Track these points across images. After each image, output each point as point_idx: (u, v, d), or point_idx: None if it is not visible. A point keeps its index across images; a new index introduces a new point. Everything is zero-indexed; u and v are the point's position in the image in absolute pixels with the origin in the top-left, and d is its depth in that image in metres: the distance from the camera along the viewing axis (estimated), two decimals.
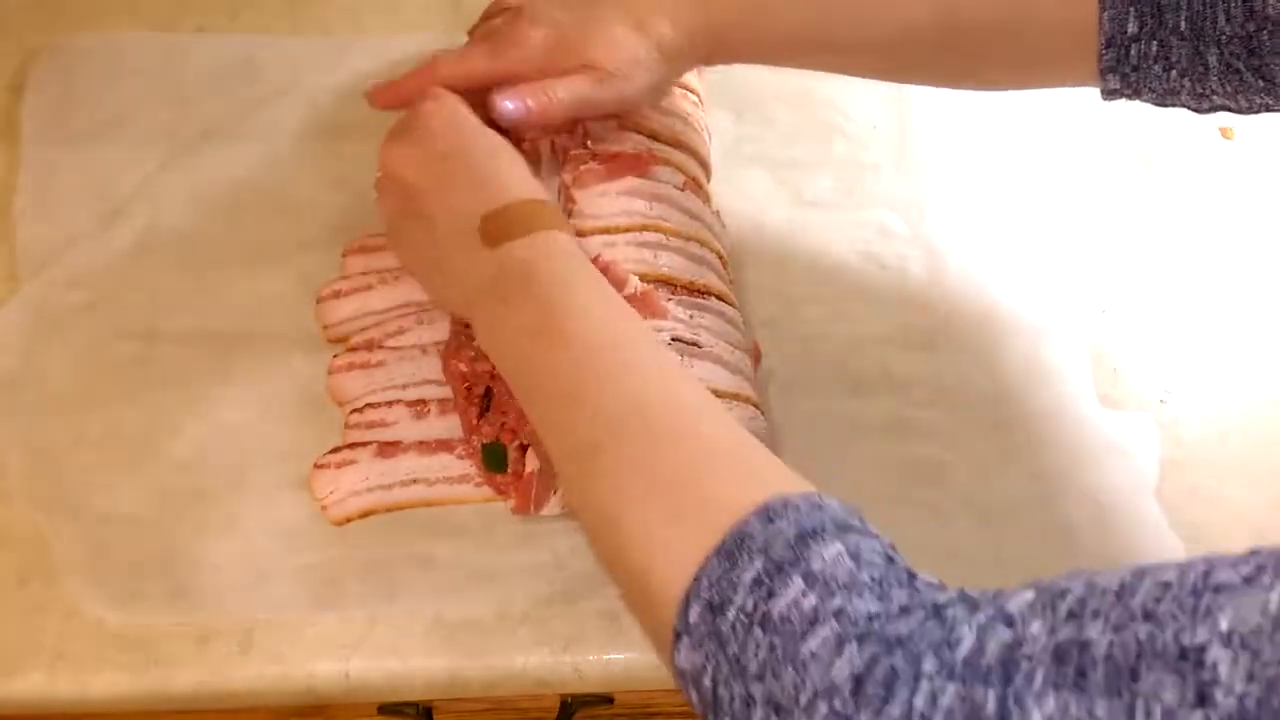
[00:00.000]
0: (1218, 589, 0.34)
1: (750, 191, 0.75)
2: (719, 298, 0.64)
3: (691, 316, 0.62)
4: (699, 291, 0.63)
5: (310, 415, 0.65)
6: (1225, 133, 0.80)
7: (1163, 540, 0.64)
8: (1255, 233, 0.76)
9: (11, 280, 0.69)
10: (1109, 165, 0.78)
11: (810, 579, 0.42)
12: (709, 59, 0.66)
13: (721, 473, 0.48)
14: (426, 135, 0.61)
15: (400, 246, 0.64)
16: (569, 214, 0.64)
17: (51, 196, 0.72)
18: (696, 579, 0.43)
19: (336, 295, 0.68)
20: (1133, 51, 0.58)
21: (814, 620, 0.41)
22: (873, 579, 0.42)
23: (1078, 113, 0.80)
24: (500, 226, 0.57)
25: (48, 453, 0.63)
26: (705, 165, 0.71)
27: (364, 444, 0.63)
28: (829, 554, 0.42)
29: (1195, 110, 0.60)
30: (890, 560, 0.43)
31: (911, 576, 0.43)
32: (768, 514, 0.44)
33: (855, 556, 0.42)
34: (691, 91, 0.73)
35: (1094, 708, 0.34)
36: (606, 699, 0.64)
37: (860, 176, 0.76)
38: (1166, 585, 0.35)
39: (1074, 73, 0.61)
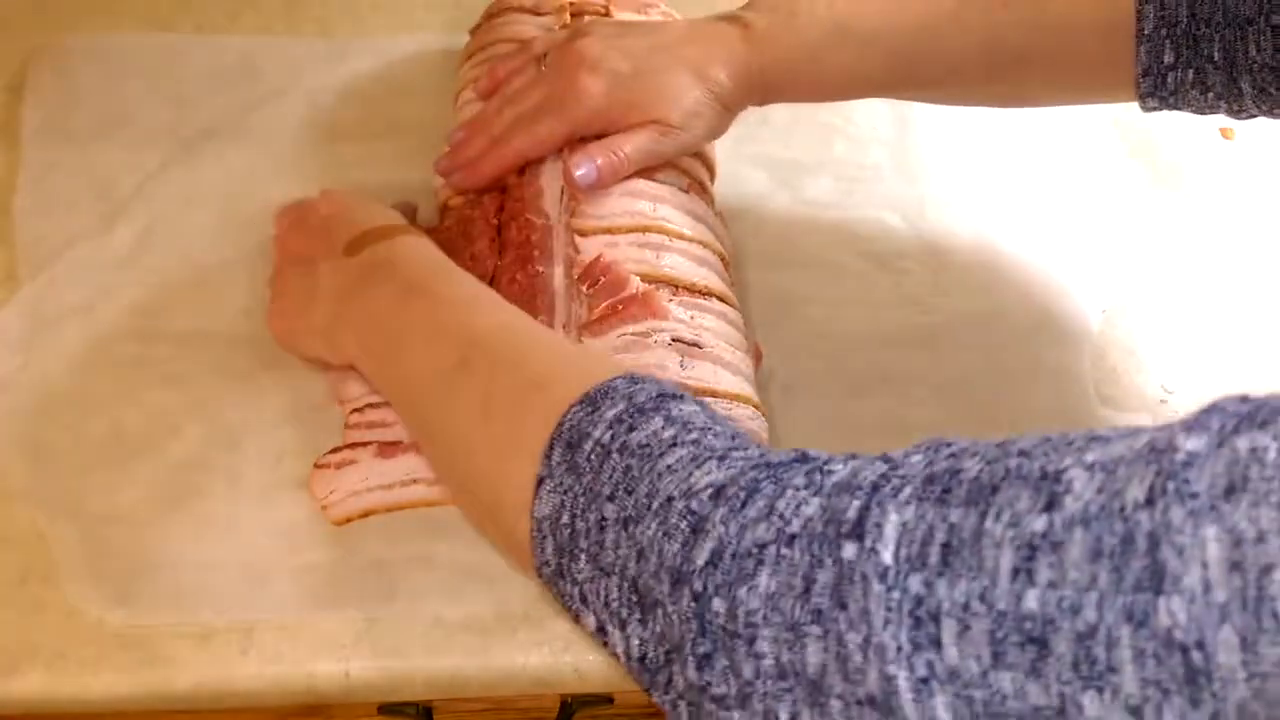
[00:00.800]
0: (1094, 438, 0.36)
1: (750, 191, 0.75)
2: (720, 299, 0.64)
3: (693, 317, 0.62)
4: (700, 292, 0.63)
5: (310, 415, 0.65)
6: (1225, 133, 0.80)
7: None
8: (1255, 232, 0.76)
9: (11, 280, 0.69)
10: (1109, 165, 0.78)
11: (670, 420, 0.45)
12: (762, 102, 0.67)
13: (592, 362, 0.52)
14: (311, 213, 0.66)
15: (279, 316, 0.65)
16: (572, 213, 0.64)
17: (51, 196, 0.72)
18: (559, 424, 0.47)
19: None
20: (1169, 79, 0.59)
21: (673, 444, 0.44)
22: (730, 434, 0.45)
23: (1078, 113, 0.80)
24: (362, 241, 0.61)
25: (48, 453, 0.63)
26: (710, 168, 0.71)
27: (364, 444, 0.63)
28: (688, 409, 0.46)
29: (1234, 118, 0.61)
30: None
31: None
32: (632, 378, 0.48)
33: (713, 419, 0.47)
34: None
35: (949, 515, 0.36)
36: (606, 699, 0.64)
37: (860, 176, 0.77)
38: (1048, 438, 0.37)
39: (1115, 94, 0.62)
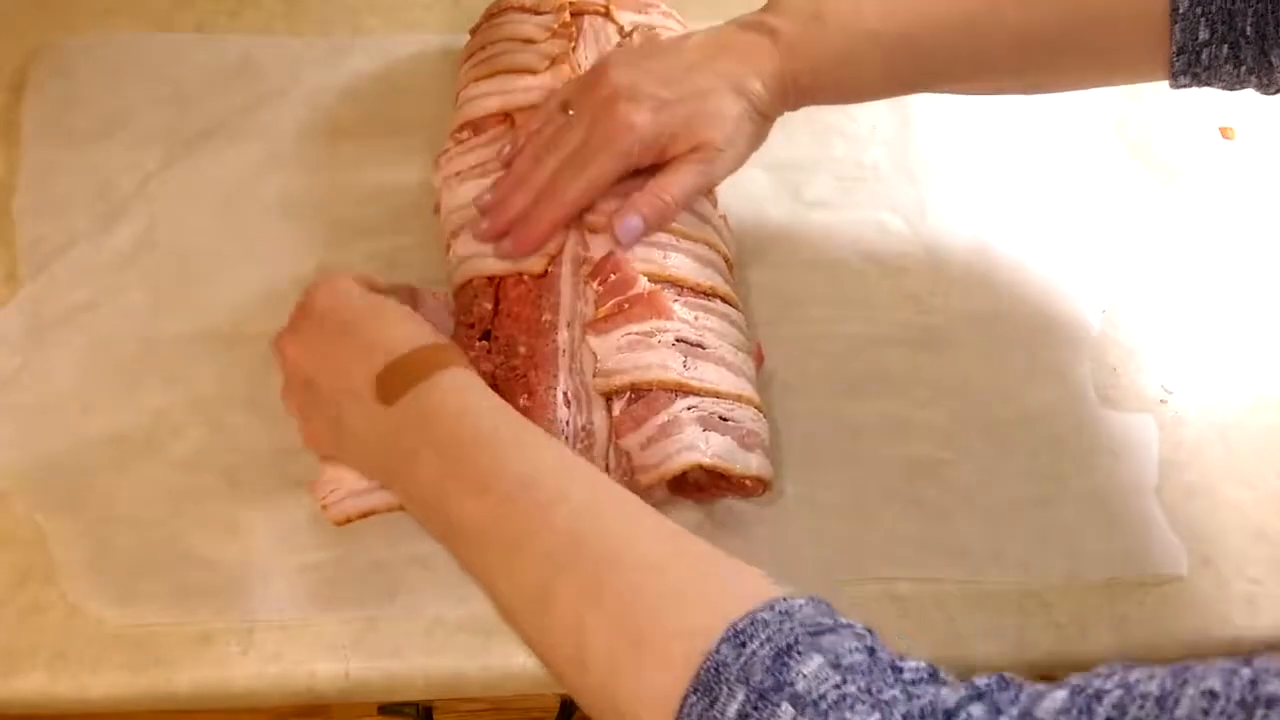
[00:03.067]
0: (1269, 702, 0.33)
1: (750, 191, 0.75)
2: (724, 299, 0.64)
3: (697, 318, 0.62)
4: (705, 293, 0.63)
5: None
6: (1225, 133, 0.80)
7: (1163, 540, 0.64)
8: (1255, 232, 0.76)
9: (12, 280, 0.69)
10: (1109, 165, 0.78)
11: (798, 702, 0.39)
12: (795, 106, 0.66)
13: (678, 596, 0.45)
14: (314, 322, 0.59)
15: (313, 440, 0.60)
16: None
17: (51, 196, 0.72)
18: (694, 679, 0.41)
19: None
20: (1204, 55, 0.59)
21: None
22: (863, 689, 0.39)
23: (1078, 113, 0.80)
24: (391, 382, 0.55)
25: (48, 453, 0.63)
26: None
27: None
28: (810, 669, 0.40)
29: (1263, 93, 0.61)
30: (873, 653, 0.41)
31: (898, 670, 0.40)
32: (738, 637, 0.41)
33: (838, 665, 0.40)
34: None
35: None
36: None
37: (860, 176, 0.76)
38: (1212, 695, 0.34)
39: (1146, 74, 0.62)
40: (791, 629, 0.41)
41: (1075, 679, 0.37)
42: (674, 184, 0.62)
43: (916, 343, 0.70)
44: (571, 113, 0.64)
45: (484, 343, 0.63)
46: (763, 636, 0.41)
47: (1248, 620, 0.62)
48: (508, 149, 0.66)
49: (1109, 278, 0.73)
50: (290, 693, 0.58)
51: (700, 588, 0.46)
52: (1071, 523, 0.64)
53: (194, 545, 0.60)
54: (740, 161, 0.65)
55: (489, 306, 0.64)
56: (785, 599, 0.43)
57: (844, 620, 0.43)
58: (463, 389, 0.55)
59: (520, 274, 0.63)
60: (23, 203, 0.72)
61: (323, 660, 0.58)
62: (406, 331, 0.57)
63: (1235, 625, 0.62)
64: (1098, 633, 0.61)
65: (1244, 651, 0.62)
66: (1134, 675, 0.36)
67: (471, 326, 0.63)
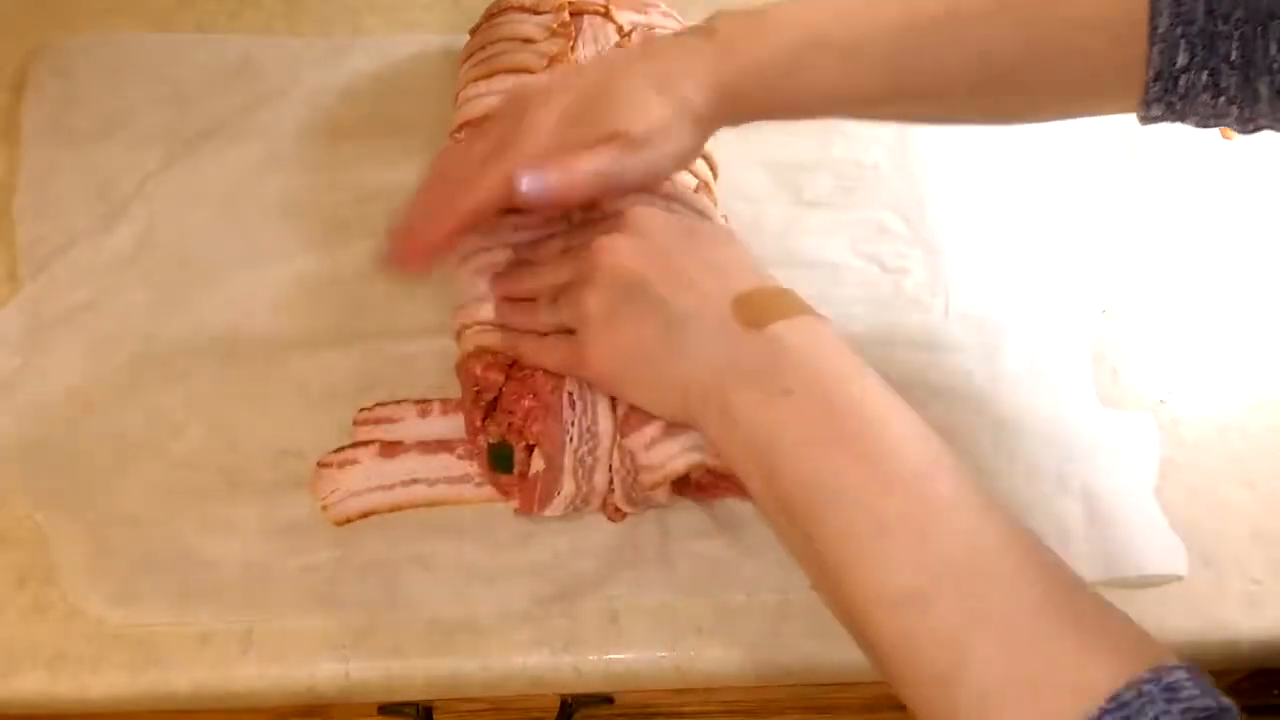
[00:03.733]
0: None
1: (750, 191, 0.75)
2: None
3: None
4: None
5: (310, 415, 0.65)
6: (1225, 133, 0.80)
7: (1163, 540, 0.64)
8: (1255, 233, 0.76)
9: (12, 280, 0.69)
10: (1109, 165, 0.78)
11: None
12: (737, 119, 0.60)
13: (1071, 641, 0.43)
14: (646, 232, 0.56)
15: (608, 340, 0.56)
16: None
17: (51, 196, 0.72)
18: None
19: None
20: (1181, 81, 0.55)
21: None
22: None
23: None
24: (760, 306, 0.51)
25: (48, 453, 0.63)
26: (713, 167, 0.71)
27: (366, 444, 0.63)
28: None
29: (1240, 129, 0.57)
30: None
31: None
32: (1121, 710, 0.40)
33: None
34: None
35: None
36: (606, 699, 0.64)
37: (860, 176, 0.76)
38: None
39: (1116, 100, 0.57)
40: (1174, 709, 0.40)
41: None
42: (585, 160, 0.56)
43: (916, 343, 0.70)
44: (488, 125, 0.61)
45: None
46: (1149, 715, 0.40)
47: (1248, 620, 0.62)
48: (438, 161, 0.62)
49: (1109, 278, 0.73)
50: (290, 693, 0.58)
51: (1093, 640, 0.43)
52: (1071, 523, 0.64)
53: (194, 545, 0.60)
54: (664, 166, 0.59)
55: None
56: (1171, 667, 0.42)
57: (1225, 701, 0.41)
58: (847, 353, 0.51)
59: None
60: (23, 203, 0.72)
61: (323, 660, 0.58)
62: (756, 264, 0.55)
63: (1235, 625, 0.62)
64: None
65: (1244, 651, 0.62)
66: None
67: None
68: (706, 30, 0.59)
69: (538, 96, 0.58)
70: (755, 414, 0.50)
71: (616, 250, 0.56)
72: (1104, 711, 0.40)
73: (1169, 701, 0.40)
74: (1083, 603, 0.45)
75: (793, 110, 0.60)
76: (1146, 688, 0.40)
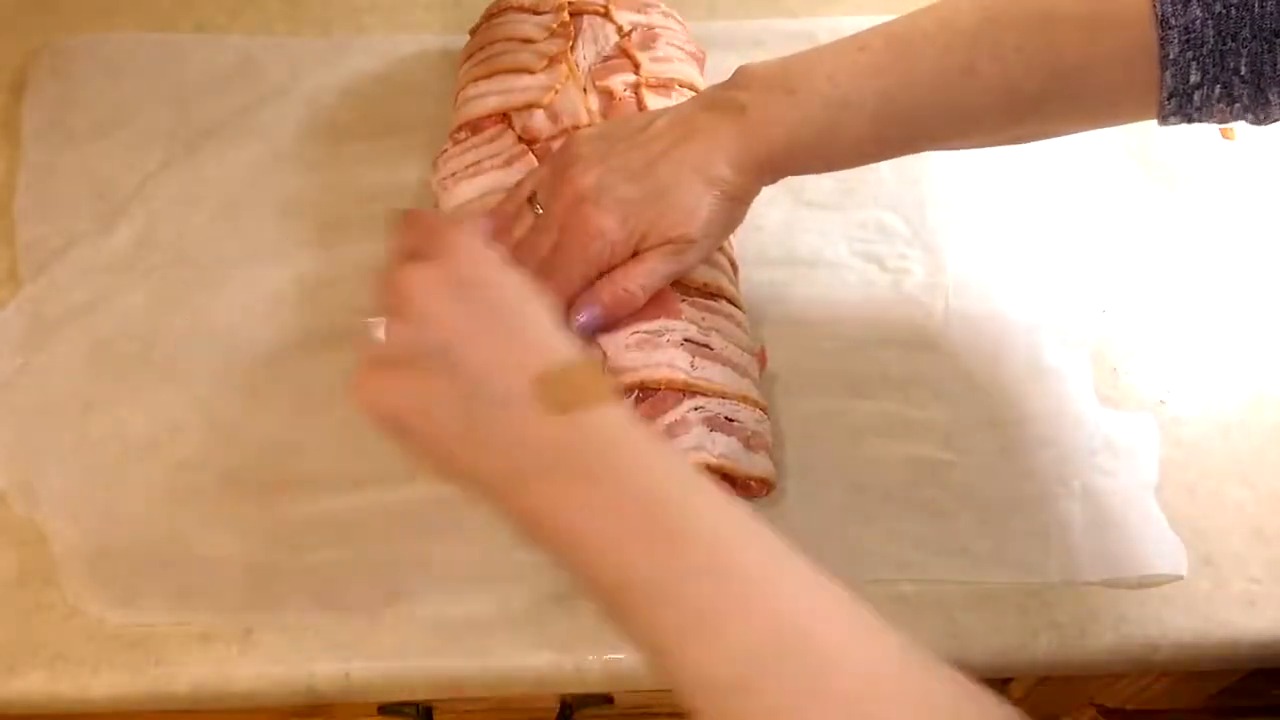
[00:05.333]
0: None
1: None
2: (729, 301, 0.64)
3: (704, 319, 0.62)
4: (711, 294, 0.63)
5: (310, 415, 0.64)
6: (1225, 133, 0.80)
7: (1163, 540, 0.64)
8: (1255, 232, 0.76)
9: (12, 280, 0.69)
10: (1109, 165, 0.78)
11: None
12: (775, 180, 0.63)
13: (910, 713, 0.41)
14: (456, 284, 0.50)
15: (404, 392, 0.49)
16: None
17: (51, 196, 0.72)
18: None
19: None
20: (1195, 97, 0.56)
21: None
22: None
23: None
24: (565, 389, 0.48)
25: (48, 453, 0.63)
26: None
27: None
28: None
29: (1259, 125, 0.58)
30: None
31: None
32: None
33: None
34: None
35: None
36: (606, 699, 0.64)
37: (860, 176, 0.76)
38: None
39: (1134, 116, 0.59)
40: None
41: None
42: (641, 273, 0.60)
43: (916, 343, 0.70)
44: (540, 211, 0.62)
45: None
46: None
47: (1248, 620, 0.62)
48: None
49: (1109, 278, 0.73)
50: (290, 693, 0.58)
51: (931, 702, 0.42)
52: (1071, 523, 0.64)
53: (194, 545, 0.61)
54: (715, 245, 0.64)
55: None
56: None
57: None
58: (650, 436, 0.49)
59: None
60: (23, 203, 0.72)
61: (323, 660, 0.58)
62: (561, 333, 0.51)
63: (1235, 625, 0.62)
64: (1098, 633, 0.61)
65: (1244, 651, 0.62)
66: None
67: None
68: (738, 105, 0.60)
69: (592, 192, 0.60)
70: (558, 504, 0.47)
71: (416, 283, 0.50)
72: None
73: None
74: (915, 670, 0.43)
75: (825, 166, 0.65)
76: None
